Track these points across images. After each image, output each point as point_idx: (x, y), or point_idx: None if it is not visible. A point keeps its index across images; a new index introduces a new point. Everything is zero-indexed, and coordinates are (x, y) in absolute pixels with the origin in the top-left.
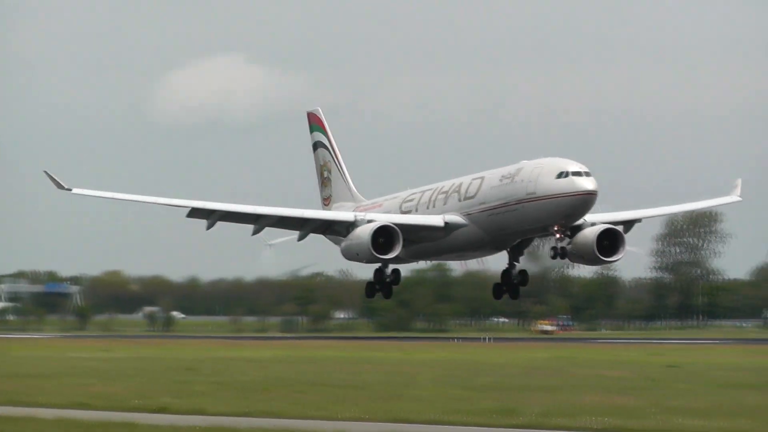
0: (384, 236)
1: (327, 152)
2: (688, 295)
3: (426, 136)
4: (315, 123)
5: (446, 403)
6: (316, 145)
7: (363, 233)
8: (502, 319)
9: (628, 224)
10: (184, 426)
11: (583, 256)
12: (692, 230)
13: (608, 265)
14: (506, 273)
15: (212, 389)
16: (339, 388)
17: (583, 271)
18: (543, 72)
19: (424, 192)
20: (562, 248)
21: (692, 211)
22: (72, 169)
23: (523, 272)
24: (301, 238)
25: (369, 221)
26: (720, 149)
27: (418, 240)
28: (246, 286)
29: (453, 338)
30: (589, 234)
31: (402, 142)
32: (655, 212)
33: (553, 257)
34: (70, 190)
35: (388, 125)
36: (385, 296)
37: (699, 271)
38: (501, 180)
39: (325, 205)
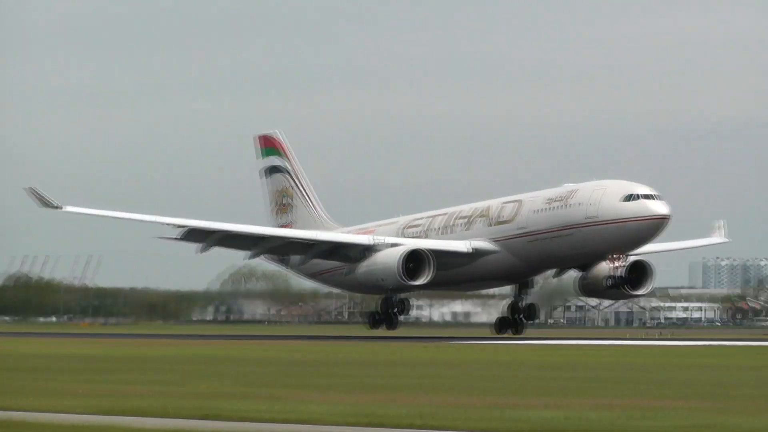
0: (413, 261)
1: (288, 177)
2: None
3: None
4: (271, 147)
5: None
6: (271, 170)
7: (390, 258)
8: None
9: None
10: None
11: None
12: None
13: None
14: (514, 306)
15: None
16: None
17: None
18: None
19: (434, 217)
20: (621, 277)
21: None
22: None
23: (531, 306)
24: (302, 263)
25: (393, 245)
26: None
27: (437, 267)
28: None
29: None
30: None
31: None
32: (648, 248)
33: (611, 287)
34: (61, 208)
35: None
36: (389, 327)
37: None
38: (548, 203)
39: None
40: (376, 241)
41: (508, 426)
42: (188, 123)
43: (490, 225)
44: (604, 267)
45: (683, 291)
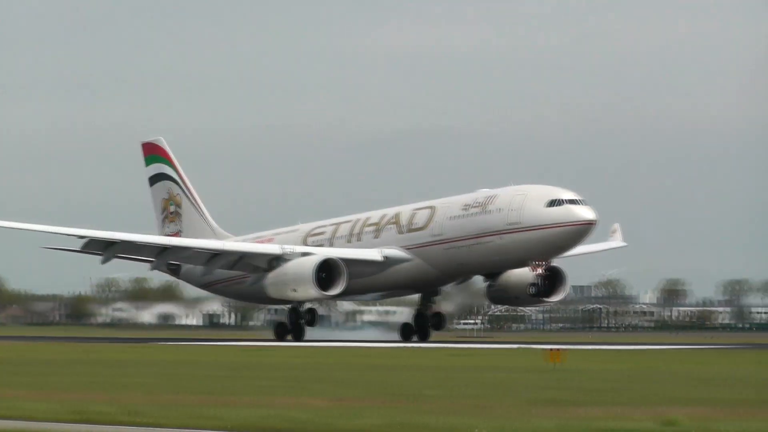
0: (326, 271)
1: (174, 185)
2: None
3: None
4: (155, 154)
5: None
6: (157, 178)
7: (303, 268)
8: None
9: None
10: None
11: (518, 296)
12: None
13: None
14: (420, 315)
15: None
16: None
17: None
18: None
19: (338, 224)
20: (544, 284)
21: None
22: None
23: (438, 314)
24: (205, 273)
25: (304, 254)
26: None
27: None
28: None
29: None
30: (530, 273)
31: None
32: None
33: (534, 295)
34: None
35: None
36: (296, 338)
37: None
38: (465, 209)
39: None
40: (285, 251)
41: (206, 423)
42: (80, 129)
43: (402, 232)
44: (514, 274)
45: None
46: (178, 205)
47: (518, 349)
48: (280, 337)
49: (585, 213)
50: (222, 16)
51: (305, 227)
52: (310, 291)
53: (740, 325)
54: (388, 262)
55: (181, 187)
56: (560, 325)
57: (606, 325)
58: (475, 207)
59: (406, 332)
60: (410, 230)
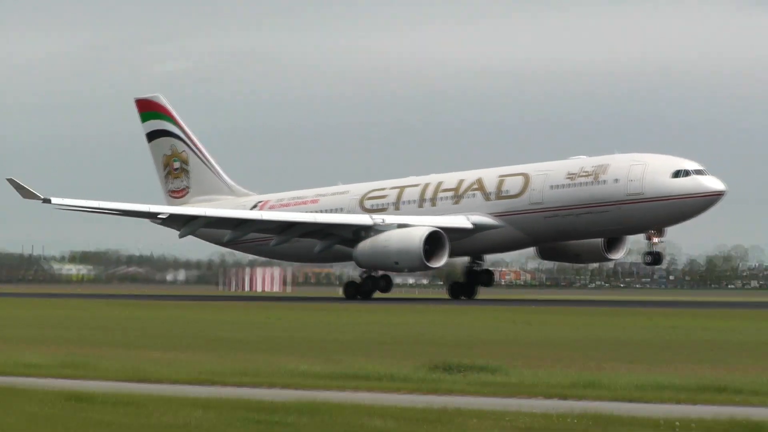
0: (429, 243)
1: (178, 141)
2: None
3: None
4: (153, 110)
5: None
6: (156, 134)
7: (408, 241)
8: None
9: None
10: None
11: (579, 253)
12: None
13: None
14: (470, 271)
15: None
16: None
17: None
18: None
19: (402, 188)
20: (657, 252)
21: None
22: None
23: (488, 272)
24: (278, 243)
25: (400, 225)
26: None
27: None
28: None
29: None
30: None
31: None
32: None
33: (650, 263)
34: (49, 201)
35: None
36: (365, 298)
37: None
38: (570, 178)
39: (174, 197)
40: (376, 221)
41: None
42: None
43: (489, 199)
44: None
45: None
46: (185, 162)
47: None
48: (350, 296)
49: (714, 184)
50: None
51: (357, 188)
52: (415, 263)
53: None
54: (476, 229)
55: (187, 143)
56: None
57: None
58: (582, 176)
59: (455, 290)
60: (500, 197)
